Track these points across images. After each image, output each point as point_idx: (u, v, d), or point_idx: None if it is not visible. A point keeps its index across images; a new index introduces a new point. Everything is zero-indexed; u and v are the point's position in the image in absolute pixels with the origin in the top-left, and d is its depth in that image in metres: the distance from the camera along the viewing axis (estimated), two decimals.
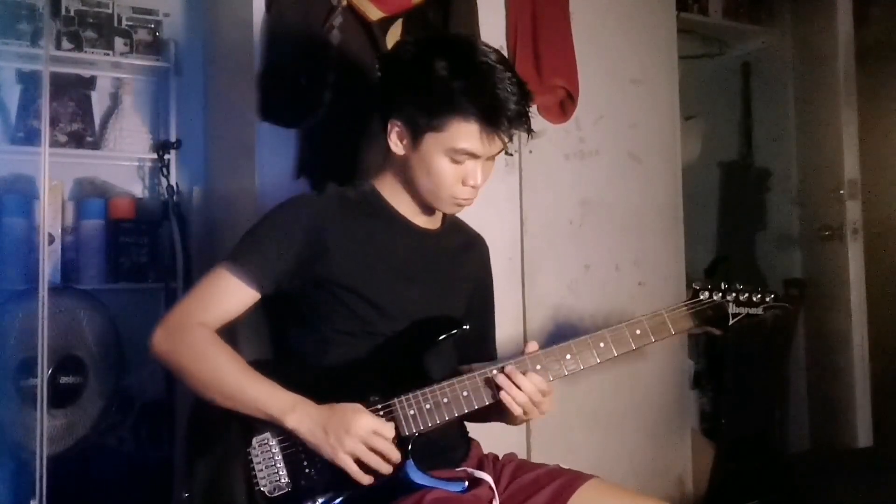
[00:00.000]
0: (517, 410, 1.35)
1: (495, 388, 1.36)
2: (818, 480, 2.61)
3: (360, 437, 1.27)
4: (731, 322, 1.46)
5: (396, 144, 1.43)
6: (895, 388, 3.05)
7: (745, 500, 2.78)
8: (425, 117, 1.37)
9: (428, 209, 1.50)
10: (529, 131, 1.42)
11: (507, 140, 1.39)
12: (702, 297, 1.45)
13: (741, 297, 1.46)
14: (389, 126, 1.43)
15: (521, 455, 2.12)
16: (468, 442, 1.56)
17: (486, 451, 1.57)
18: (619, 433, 2.50)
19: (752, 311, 1.47)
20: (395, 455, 1.30)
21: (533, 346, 1.40)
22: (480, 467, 1.48)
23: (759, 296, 1.47)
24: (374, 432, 1.28)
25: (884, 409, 3.06)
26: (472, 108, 1.34)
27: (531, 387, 1.34)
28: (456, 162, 1.38)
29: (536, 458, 2.25)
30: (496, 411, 1.40)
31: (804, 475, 2.73)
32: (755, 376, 3.07)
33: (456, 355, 1.56)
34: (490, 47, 1.42)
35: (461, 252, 1.60)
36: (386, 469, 1.29)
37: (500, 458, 1.55)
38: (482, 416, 1.45)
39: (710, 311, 1.45)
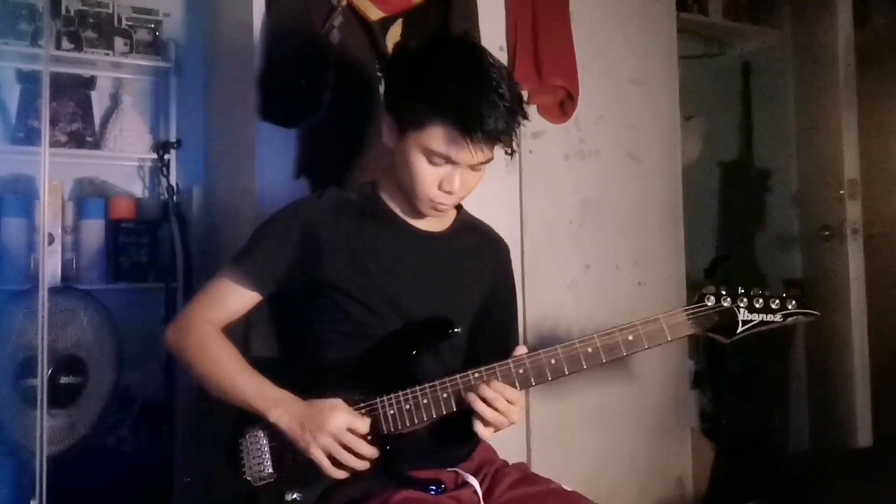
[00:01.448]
0: (483, 432, 1.33)
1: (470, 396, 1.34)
2: (818, 480, 2.61)
3: (331, 433, 1.31)
4: (739, 329, 1.34)
5: (388, 137, 1.45)
6: (895, 388, 3.05)
7: (745, 500, 2.78)
8: (410, 114, 1.38)
9: (417, 210, 1.49)
10: (511, 152, 1.40)
11: (482, 153, 1.36)
12: (707, 303, 1.35)
13: (755, 303, 1.34)
14: (384, 117, 1.45)
15: (521, 455, 2.13)
16: (474, 443, 1.54)
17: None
18: (619, 433, 2.50)
19: (768, 318, 1.34)
20: (368, 451, 1.32)
21: (521, 350, 1.38)
22: (479, 471, 1.48)
23: (779, 302, 1.34)
24: (347, 429, 1.31)
25: (884, 409, 3.06)
26: (449, 114, 1.32)
27: (492, 394, 1.31)
28: (433, 164, 1.38)
29: (536, 458, 2.26)
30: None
31: (804, 475, 2.73)
32: (755, 376, 3.06)
33: (452, 356, 1.54)
34: (497, 62, 1.40)
35: (471, 254, 1.58)
36: (359, 465, 1.32)
37: (508, 465, 1.55)
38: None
39: (717, 316, 1.35)
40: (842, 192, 3.10)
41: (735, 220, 3.66)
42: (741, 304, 1.34)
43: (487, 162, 1.40)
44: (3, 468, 2.12)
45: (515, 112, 1.36)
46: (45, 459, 1.93)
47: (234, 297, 1.46)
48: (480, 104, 1.32)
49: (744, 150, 3.69)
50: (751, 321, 1.33)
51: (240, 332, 1.50)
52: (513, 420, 1.34)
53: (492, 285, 1.60)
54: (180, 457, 2.38)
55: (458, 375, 1.36)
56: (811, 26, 3.29)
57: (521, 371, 1.35)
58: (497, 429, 1.34)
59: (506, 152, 1.42)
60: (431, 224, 1.52)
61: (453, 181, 1.38)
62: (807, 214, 3.35)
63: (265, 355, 1.56)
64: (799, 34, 3.40)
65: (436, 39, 1.51)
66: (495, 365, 1.36)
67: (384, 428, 1.34)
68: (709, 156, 3.60)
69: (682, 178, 2.74)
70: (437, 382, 1.36)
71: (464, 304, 1.54)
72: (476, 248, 1.60)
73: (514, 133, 1.38)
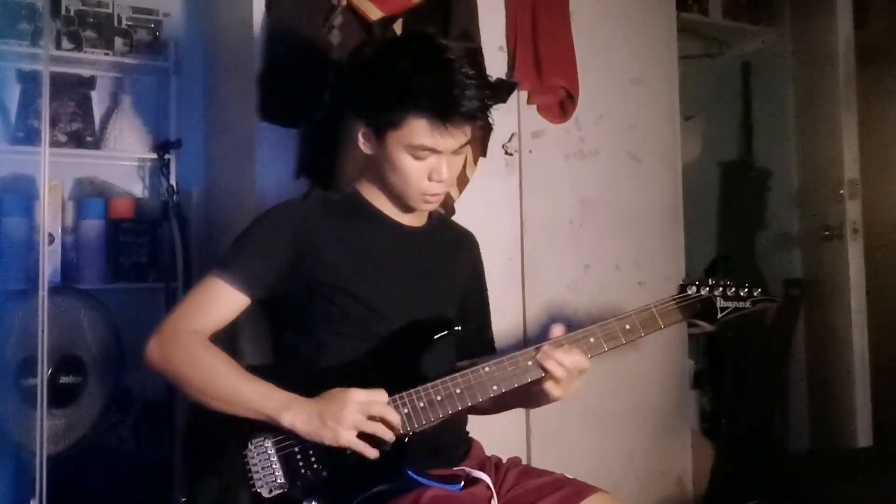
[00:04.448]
0: (555, 391, 1.36)
1: (490, 384, 1.36)
2: (818, 480, 2.61)
3: (356, 408, 1.28)
4: (719, 316, 1.47)
5: (365, 145, 1.45)
6: (895, 388, 3.05)
7: (745, 500, 2.77)
8: (384, 116, 1.38)
9: (407, 209, 1.51)
10: (487, 128, 1.44)
11: (463, 135, 1.39)
12: (689, 292, 1.47)
13: (728, 292, 1.48)
14: (356, 127, 1.45)
15: (521, 455, 2.13)
16: (468, 442, 1.56)
17: (489, 454, 1.57)
18: (619, 433, 2.50)
19: (740, 304, 1.48)
20: (395, 417, 1.30)
21: (558, 330, 1.40)
22: (481, 468, 1.48)
23: (747, 290, 1.49)
24: (368, 401, 1.29)
25: (884, 409, 3.06)
26: (423, 104, 1.35)
27: (570, 362, 1.35)
28: (418, 158, 1.39)
29: (536, 458, 2.26)
30: (495, 405, 1.42)
31: (804, 475, 2.73)
32: (755, 376, 3.06)
33: (452, 354, 1.56)
34: (454, 44, 1.43)
35: (450, 249, 1.61)
36: (389, 435, 1.29)
37: (504, 461, 1.55)
38: (481, 410, 1.46)
39: (699, 304, 1.47)
40: (842, 192, 3.10)
41: (735, 220, 3.66)
42: (717, 293, 1.47)
43: (468, 143, 1.43)
44: (3, 468, 2.12)
45: (483, 87, 1.38)
46: (45, 459, 1.94)
47: (223, 301, 1.40)
48: (450, 87, 1.34)
49: (744, 150, 3.69)
50: (727, 307, 1.48)
51: (226, 343, 1.42)
52: (575, 390, 1.39)
53: (469, 278, 1.64)
54: (178, 468, 2.38)
55: (468, 370, 1.36)
56: (811, 26, 3.29)
57: (528, 363, 1.37)
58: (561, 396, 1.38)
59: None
60: (413, 220, 1.54)
61: (441, 170, 1.40)
62: (807, 214, 3.35)
63: (256, 364, 1.48)
64: (799, 34, 3.40)
65: (388, 41, 1.57)
66: (507, 355, 1.38)
67: (401, 427, 1.32)
68: (709, 156, 3.61)
69: (682, 178, 2.74)
70: (447, 378, 1.35)
71: (451, 298, 1.56)
72: (453, 242, 1.63)
73: (489, 108, 1.41)
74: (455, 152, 1.41)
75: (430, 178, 1.41)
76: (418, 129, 1.36)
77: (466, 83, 1.34)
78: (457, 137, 1.38)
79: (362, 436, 1.29)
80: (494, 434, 1.60)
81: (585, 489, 1.41)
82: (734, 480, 2.78)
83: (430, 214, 1.58)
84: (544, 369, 1.36)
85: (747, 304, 1.49)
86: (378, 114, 1.39)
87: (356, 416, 1.28)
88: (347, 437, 1.27)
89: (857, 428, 3.04)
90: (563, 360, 1.35)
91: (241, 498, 1.32)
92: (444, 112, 1.34)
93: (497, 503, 1.41)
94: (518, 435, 2.28)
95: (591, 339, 1.40)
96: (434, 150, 1.38)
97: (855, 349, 3.07)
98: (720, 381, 3.07)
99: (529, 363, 1.37)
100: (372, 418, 1.29)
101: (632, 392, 2.53)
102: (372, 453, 1.29)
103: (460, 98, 1.34)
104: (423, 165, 1.40)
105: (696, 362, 3.01)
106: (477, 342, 1.64)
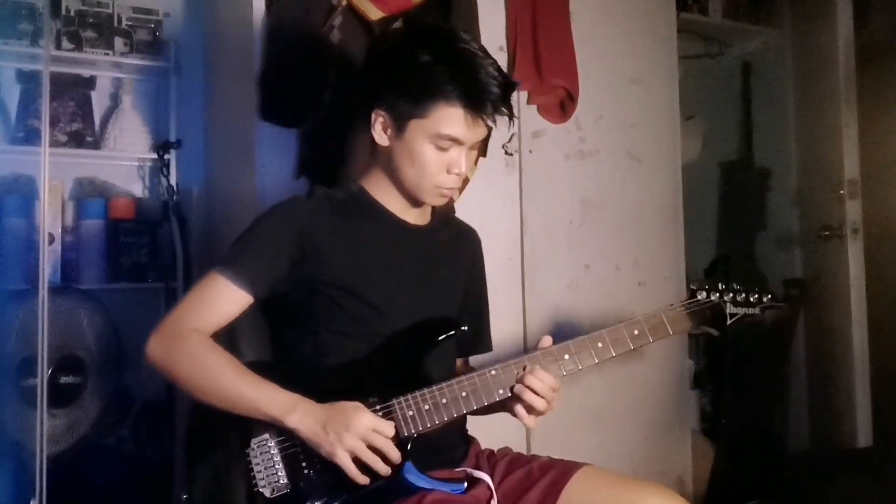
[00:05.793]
0: (529, 421, 1.36)
1: (495, 387, 1.35)
2: (818, 480, 2.61)
3: (359, 434, 1.27)
4: (728, 322, 1.46)
5: (381, 135, 1.44)
6: (895, 388, 3.05)
7: (745, 500, 2.78)
8: (409, 104, 1.38)
9: (416, 204, 1.50)
10: (511, 116, 1.44)
11: (491, 125, 1.41)
12: (699, 298, 1.45)
13: (738, 298, 1.47)
14: (373, 116, 1.44)
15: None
16: (468, 442, 1.55)
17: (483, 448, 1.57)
18: (619, 433, 2.50)
19: (750, 311, 1.47)
20: (395, 454, 1.29)
21: (547, 341, 1.40)
22: (478, 466, 1.48)
23: (757, 296, 1.48)
24: (373, 430, 1.28)
25: (884, 409, 3.06)
26: (456, 93, 1.35)
27: (540, 384, 1.34)
28: (440, 149, 1.39)
29: None
30: (497, 406, 1.41)
31: (804, 475, 2.73)
32: (755, 376, 3.06)
33: (455, 354, 1.56)
34: (469, 36, 1.44)
35: (453, 246, 1.61)
36: (384, 469, 1.28)
37: (495, 452, 1.55)
38: (483, 411, 1.46)
39: (708, 311, 1.45)
40: (842, 192, 3.10)
41: (735, 220, 3.66)
42: (727, 299, 1.46)
43: (485, 139, 1.45)
44: (3, 468, 2.12)
45: (507, 77, 1.40)
46: (45, 459, 1.94)
47: (226, 301, 1.39)
48: (480, 78, 1.36)
49: (744, 150, 3.69)
50: (736, 314, 1.47)
51: (226, 341, 1.40)
52: (555, 407, 1.37)
53: (469, 275, 1.63)
54: (178, 467, 2.38)
55: (475, 374, 1.36)
56: (811, 26, 3.29)
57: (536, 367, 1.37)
58: (539, 416, 1.37)
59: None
60: (417, 218, 1.53)
61: (460, 162, 1.41)
62: (807, 214, 3.35)
63: (256, 360, 1.46)
64: (799, 34, 3.41)
65: (410, 29, 1.57)
66: (512, 361, 1.37)
67: (404, 430, 1.32)
68: (709, 156, 3.60)
69: (682, 178, 2.74)
70: (453, 381, 1.35)
71: (453, 297, 1.56)
72: (455, 239, 1.63)
73: (511, 99, 1.42)
74: (472, 147, 1.42)
75: (448, 171, 1.41)
76: (448, 118, 1.36)
77: (493, 74, 1.37)
78: (481, 129, 1.40)
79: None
80: (494, 433, 1.60)
81: (572, 466, 1.42)
82: (734, 480, 2.78)
83: (434, 212, 1.57)
84: (519, 399, 1.35)
85: (756, 311, 1.48)
86: (404, 102, 1.39)
87: (356, 442, 1.27)
88: (342, 458, 1.27)
89: (857, 428, 3.04)
90: (538, 388, 1.33)
91: (244, 498, 1.31)
92: (474, 103, 1.36)
93: (496, 503, 1.40)
94: (518, 434, 2.27)
95: (599, 344, 1.39)
96: (458, 142, 1.39)
97: (855, 349, 3.07)
98: (720, 381, 3.07)
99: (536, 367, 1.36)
100: (372, 448, 1.28)
101: (632, 392, 2.53)
102: (361, 480, 1.28)
103: (490, 88, 1.36)
104: (444, 157, 1.40)
105: (696, 362, 3.01)
106: (474, 341, 1.64)
